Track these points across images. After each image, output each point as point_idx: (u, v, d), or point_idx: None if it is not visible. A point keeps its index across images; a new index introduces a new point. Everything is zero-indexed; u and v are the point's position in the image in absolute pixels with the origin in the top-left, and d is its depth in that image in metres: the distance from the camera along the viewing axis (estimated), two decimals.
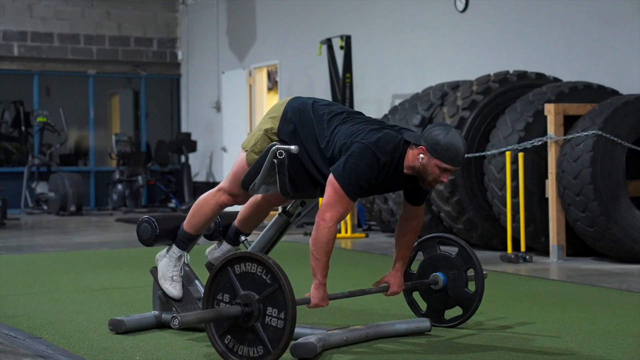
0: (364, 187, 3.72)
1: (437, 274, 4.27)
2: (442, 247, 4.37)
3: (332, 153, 3.80)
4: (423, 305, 4.37)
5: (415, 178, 3.83)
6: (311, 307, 3.78)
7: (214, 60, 14.91)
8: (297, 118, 3.91)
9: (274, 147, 3.86)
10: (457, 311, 4.31)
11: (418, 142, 3.74)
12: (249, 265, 3.59)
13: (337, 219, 3.71)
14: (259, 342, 3.54)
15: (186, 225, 4.19)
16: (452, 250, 4.31)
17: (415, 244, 4.28)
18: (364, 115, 3.98)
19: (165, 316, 4.33)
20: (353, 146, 3.72)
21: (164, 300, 4.26)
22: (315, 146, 3.85)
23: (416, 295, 4.41)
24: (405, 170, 3.79)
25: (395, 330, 4.14)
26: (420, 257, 4.42)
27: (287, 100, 4.02)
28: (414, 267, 4.41)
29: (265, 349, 3.51)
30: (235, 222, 4.32)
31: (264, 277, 3.53)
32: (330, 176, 3.73)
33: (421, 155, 3.73)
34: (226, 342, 3.62)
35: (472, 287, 4.28)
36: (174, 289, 4.18)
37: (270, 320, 3.50)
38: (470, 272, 4.26)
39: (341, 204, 3.70)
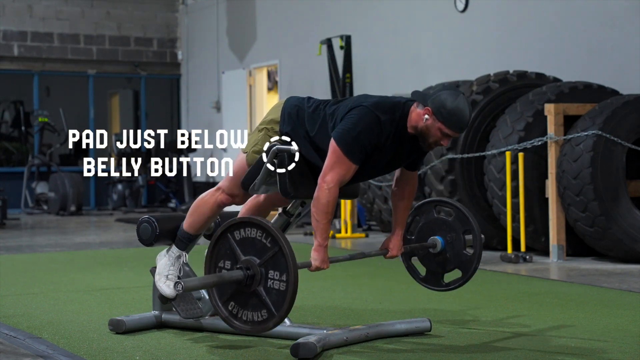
0: (365, 148, 3.73)
1: (435, 237, 4.23)
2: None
3: (333, 126, 3.82)
4: (422, 271, 4.33)
5: (418, 144, 3.85)
6: (313, 270, 3.79)
7: (214, 60, 14.91)
8: (295, 115, 3.94)
9: (274, 148, 3.86)
10: (456, 274, 4.25)
11: (425, 102, 3.76)
12: (248, 230, 3.64)
13: (338, 180, 3.72)
14: (263, 306, 3.58)
15: (185, 225, 4.20)
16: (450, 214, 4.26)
17: (412, 209, 4.27)
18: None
19: (166, 316, 4.33)
20: (352, 110, 3.77)
21: (164, 301, 4.26)
22: (309, 139, 3.88)
23: (418, 269, 4.35)
24: (409, 130, 3.81)
25: (395, 330, 4.14)
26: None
27: (284, 100, 4.05)
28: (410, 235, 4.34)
29: (269, 312, 3.56)
30: None
31: (264, 241, 3.59)
32: (332, 140, 3.75)
33: (426, 117, 3.75)
34: (230, 308, 3.66)
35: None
36: (167, 288, 4.18)
37: (273, 283, 3.55)
38: (469, 237, 4.20)
39: (341, 166, 3.72)
